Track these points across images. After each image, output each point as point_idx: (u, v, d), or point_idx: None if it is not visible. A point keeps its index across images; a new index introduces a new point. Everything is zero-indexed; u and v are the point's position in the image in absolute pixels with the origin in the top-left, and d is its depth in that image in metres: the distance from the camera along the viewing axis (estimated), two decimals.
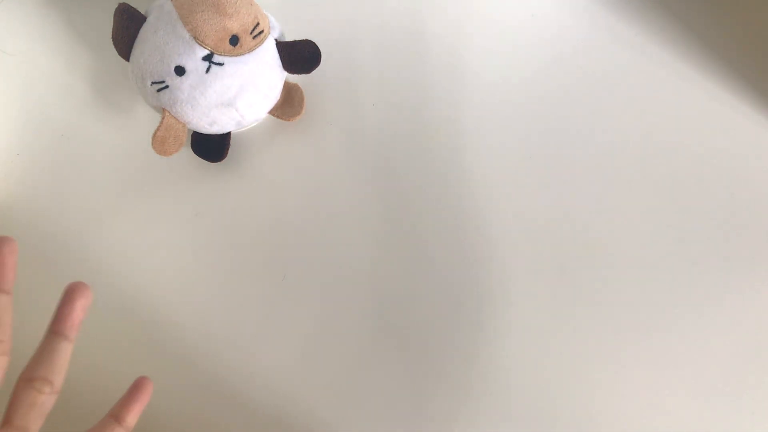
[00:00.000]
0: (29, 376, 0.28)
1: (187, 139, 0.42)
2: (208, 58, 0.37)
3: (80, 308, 0.30)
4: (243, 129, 0.42)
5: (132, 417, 0.31)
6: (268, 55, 0.39)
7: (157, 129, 0.38)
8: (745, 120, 0.43)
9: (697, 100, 0.44)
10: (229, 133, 0.42)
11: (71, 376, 0.40)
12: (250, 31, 0.38)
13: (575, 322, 0.40)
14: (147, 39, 0.37)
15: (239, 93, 0.38)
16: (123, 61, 0.39)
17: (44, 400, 0.27)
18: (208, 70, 0.37)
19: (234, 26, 0.37)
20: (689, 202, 0.42)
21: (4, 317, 0.28)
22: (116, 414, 0.31)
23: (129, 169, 0.43)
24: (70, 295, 0.30)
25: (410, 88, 0.44)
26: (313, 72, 0.41)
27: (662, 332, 0.40)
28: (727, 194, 0.42)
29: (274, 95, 0.41)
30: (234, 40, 0.37)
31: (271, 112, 0.42)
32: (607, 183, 0.43)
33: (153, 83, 0.38)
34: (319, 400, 0.40)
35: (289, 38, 0.41)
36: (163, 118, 0.38)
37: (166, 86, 0.37)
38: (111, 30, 0.38)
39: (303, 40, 0.40)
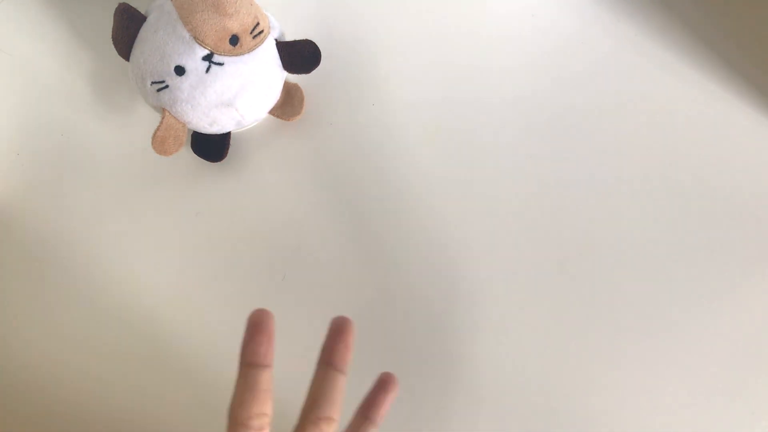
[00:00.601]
0: (315, 417, 0.28)
1: (187, 139, 0.42)
2: (208, 57, 0.37)
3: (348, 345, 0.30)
4: (243, 129, 0.42)
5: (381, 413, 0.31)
6: (268, 55, 0.39)
7: (157, 129, 0.38)
8: (745, 120, 0.43)
9: (698, 100, 0.44)
10: (229, 133, 0.42)
11: (71, 374, 0.40)
12: (250, 30, 0.38)
13: (575, 323, 0.40)
14: (147, 39, 0.37)
15: (239, 93, 0.38)
16: (123, 61, 0.39)
17: None
18: (208, 69, 0.37)
19: (234, 26, 0.37)
20: (689, 201, 0.42)
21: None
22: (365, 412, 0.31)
23: (129, 169, 0.43)
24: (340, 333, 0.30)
25: (410, 89, 0.44)
26: (313, 72, 0.41)
27: (662, 332, 0.40)
28: (728, 194, 0.42)
29: (274, 95, 0.41)
30: (234, 40, 0.37)
31: (271, 112, 0.42)
32: (607, 183, 0.43)
33: (153, 83, 0.38)
34: None
35: (289, 38, 0.41)
36: (163, 118, 0.38)
37: (166, 86, 0.37)
38: (111, 30, 0.38)
39: (303, 40, 0.40)
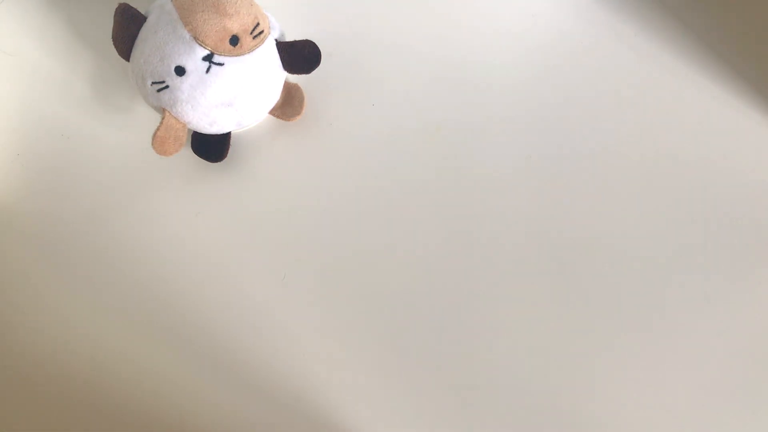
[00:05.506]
0: None
1: (187, 139, 0.42)
2: (208, 58, 0.37)
3: None
4: (243, 129, 0.42)
5: None
6: (268, 55, 0.39)
7: (157, 129, 0.38)
8: (745, 120, 0.43)
9: (697, 100, 0.44)
10: (229, 133, 0.42)
11: (72, 373, 0.40)
12: (250, 31, 0.38)
13: (577, 323, 0.40)
14: (147, 39, 0.37)
15: (239, 93, 0.38)
16: (123, 61, 0.39)
17: None
18: (208, 70, 0.37)
19: (234, 26, 0.37)
20: (689, 201, 0.42)
21: None
22: None
23: (129, 169, 0.43)
24: None
25: (410, 89, 0.44)
26: (313, 72, 0.41)
27: (662, 332, 0.40)
28: (728, 194, 0.42)
29: (274, 95, 0.41)
30: (234, 40, 0.37)
31: (271, 112, 0.42)
32: (607, 183, 0.43)
33: (153, 83, 0.38)
34: (317, 397, 0.40)
35: (289, 38, 0.41)
36: (163, 118, 0.38)
37: (167, 86, 0.37)
38: (111, 30, 0.38)
39: (303, 40, 0.40)
